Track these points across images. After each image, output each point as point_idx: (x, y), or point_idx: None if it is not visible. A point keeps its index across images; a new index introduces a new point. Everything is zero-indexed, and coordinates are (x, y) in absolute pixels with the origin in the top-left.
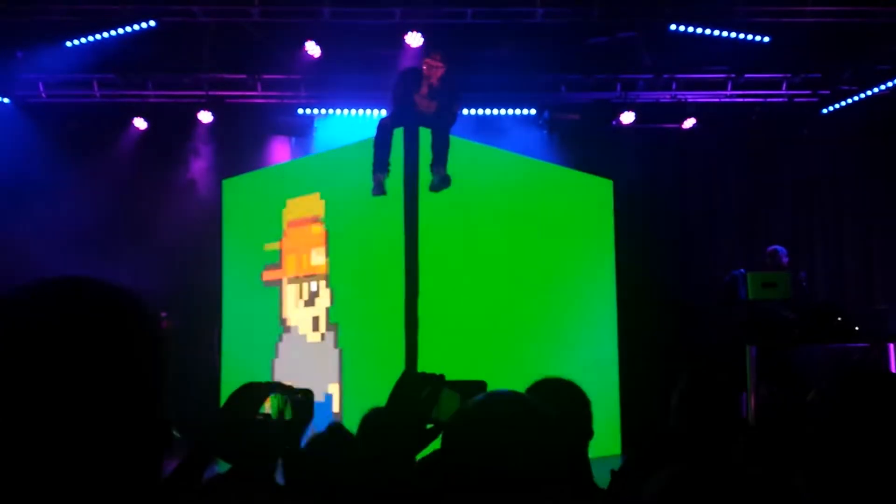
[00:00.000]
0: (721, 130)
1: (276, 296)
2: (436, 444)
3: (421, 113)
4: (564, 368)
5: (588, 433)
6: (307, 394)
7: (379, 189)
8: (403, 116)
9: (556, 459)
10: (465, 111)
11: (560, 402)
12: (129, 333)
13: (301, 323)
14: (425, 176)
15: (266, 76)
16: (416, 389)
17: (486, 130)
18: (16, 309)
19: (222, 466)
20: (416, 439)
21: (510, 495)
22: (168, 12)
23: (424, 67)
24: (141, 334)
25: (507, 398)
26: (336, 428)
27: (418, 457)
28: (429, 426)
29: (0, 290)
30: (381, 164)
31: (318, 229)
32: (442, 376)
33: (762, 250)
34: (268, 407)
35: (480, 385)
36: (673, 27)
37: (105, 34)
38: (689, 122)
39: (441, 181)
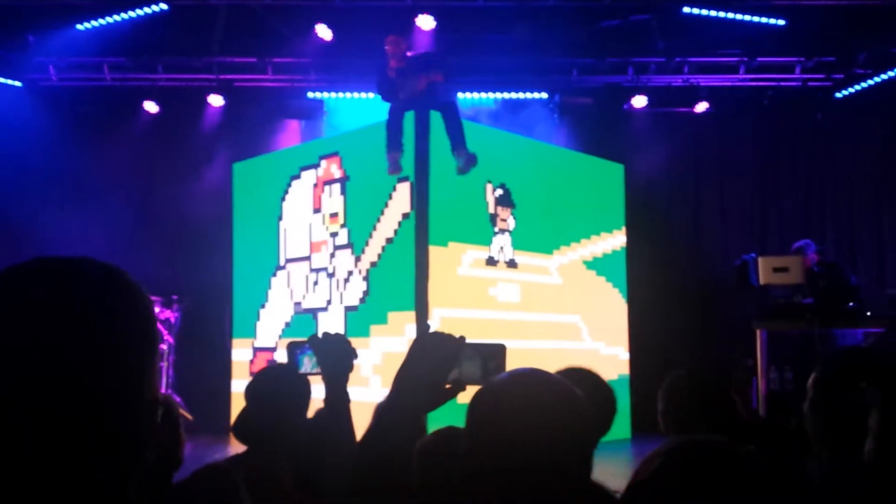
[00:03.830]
0: (734, 114)
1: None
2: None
3: (413, 93)
4: (575, 350)
5: (605, 428)
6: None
7: (395, 167)
8: (401, 101)
9: (584, 442)
10: (476, 95)
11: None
12: (123, 312)
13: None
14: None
15: (276, 60)
16: (435, 347)
17: (497, 114)
18: (10, 286)
19: (235, 448)
20: (432, 397)
21: (534, 481)
22: None
23: (387, 48)
24: (134, 313)
25: (534, 376)
26: None
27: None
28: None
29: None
30: (393, 143)
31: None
32: (462, 337)
33: (774, 234)
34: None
35: (499, 348)
36: (686, 10)
37: (116, 17)
38: (702, 106)
39: (466, 162)
